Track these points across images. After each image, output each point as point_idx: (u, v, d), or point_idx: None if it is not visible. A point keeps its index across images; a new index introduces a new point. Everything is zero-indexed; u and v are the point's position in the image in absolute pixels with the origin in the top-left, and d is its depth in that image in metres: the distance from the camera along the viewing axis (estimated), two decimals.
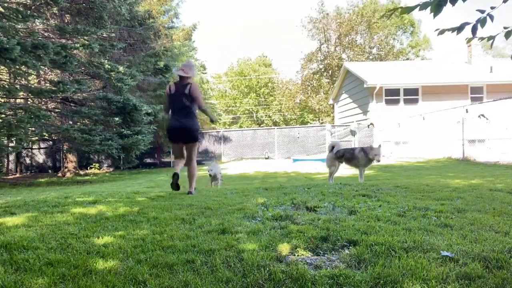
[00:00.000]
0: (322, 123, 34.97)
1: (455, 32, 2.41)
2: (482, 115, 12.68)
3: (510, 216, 3.30)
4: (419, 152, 15.78)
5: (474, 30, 2.33)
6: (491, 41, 2.51)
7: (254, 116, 48.81)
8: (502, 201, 4.01)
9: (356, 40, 35.70)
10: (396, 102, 19.13)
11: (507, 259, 2.20)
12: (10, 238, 2.88)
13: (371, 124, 19.07)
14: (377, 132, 18.84)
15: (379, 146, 6.41)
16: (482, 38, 2.54)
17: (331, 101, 26.84)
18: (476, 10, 2.32)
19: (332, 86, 32.18)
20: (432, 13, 2.30)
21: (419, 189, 5.06)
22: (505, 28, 2.42)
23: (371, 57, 35.68)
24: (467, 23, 2.35)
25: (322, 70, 35.92)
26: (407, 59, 36.77)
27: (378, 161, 6.12)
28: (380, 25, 34.59)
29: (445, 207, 3.69)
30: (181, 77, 5.37)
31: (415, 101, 19.06)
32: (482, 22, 2.31)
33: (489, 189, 4.88)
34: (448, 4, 2.29)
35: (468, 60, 21.82)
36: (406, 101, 19.08)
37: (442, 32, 2.44)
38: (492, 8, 2.31)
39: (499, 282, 1.93)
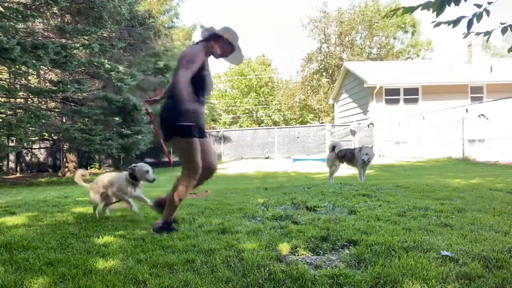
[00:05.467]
0: (322, 122, 34.94)
1: (451, 25, 2.41)
2: (482, 115, 12.67)
3: (510, 216, 3.30)
4: (419, 152, 15.76)
5: (469, 24, 2.33)
6: (487, 36, 2.51)
7: (254, 116, 48.77)
8: (502, 201, 4.02)
9: (356, 40, 35.65)
10: (396, 101, 19.12)
11: (507, 258, 2.20)
12: (10, 238, 2.88)
13: (371, 124, 19.06)
14: (377, 132, 18.83)
15: (371, 146, 7.09)
16: (478, 33, 2.55)
17: (331, 101, 26.81)
18: (474, 5, 2.33)
19: (332, 86, 32.14)
20: (435, 13, 2.30)
21: (419, 188, 5.06)
22: (501, 24, 2.43)
23: (371, 57, 35.64)
24: (463, 17, 2.36)
25: (322, 70, 35.86)
26: (408, 58, 36.71)
27: (363, 160, 6.72)
28: (381, 25, 34.53)
29: (445, 206, 3.70)
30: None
31: (415, 100, 19.05)
32: (478, 16, 2.32)
33: (489, 189, 4.88)
34: (451, 3, 2.29)
35: (468, 60, 21.80)
36: (406, 101, 19.07)
37: (438, 24, 2.45)
38: (489, 3, 2.31)
39: (499, 282, 1.92)
